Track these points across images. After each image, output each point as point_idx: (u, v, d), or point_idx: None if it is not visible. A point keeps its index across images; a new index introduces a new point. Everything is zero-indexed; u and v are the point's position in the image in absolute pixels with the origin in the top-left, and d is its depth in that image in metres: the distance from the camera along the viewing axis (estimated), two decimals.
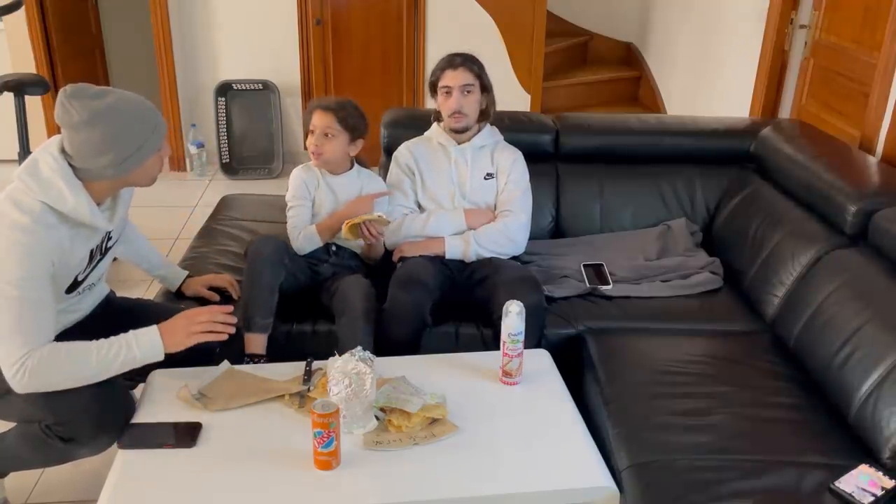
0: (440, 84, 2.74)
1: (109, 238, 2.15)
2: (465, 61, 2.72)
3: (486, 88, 2.78)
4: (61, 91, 1.92)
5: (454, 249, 2.72)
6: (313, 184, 2.69)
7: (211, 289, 2.57)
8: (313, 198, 2.69)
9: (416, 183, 2.83)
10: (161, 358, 2.01)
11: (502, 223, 2.75)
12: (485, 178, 2.81)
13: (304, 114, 2.71)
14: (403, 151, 2.87)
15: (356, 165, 2.75)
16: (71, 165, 1.94)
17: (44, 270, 1.89)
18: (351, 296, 2.48)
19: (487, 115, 2.83)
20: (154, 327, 2.00)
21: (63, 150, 1.94)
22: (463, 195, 2.79)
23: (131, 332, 1.99)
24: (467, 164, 2.80)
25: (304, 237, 2.62)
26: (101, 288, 2.28)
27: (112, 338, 1.97)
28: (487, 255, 2.72)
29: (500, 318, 2.18)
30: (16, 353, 1.86)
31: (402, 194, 2.82)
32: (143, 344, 1.98)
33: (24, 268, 1.86)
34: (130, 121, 1.95)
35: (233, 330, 2.10)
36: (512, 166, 2.82)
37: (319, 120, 2.60)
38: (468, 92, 2.72)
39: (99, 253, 2.14)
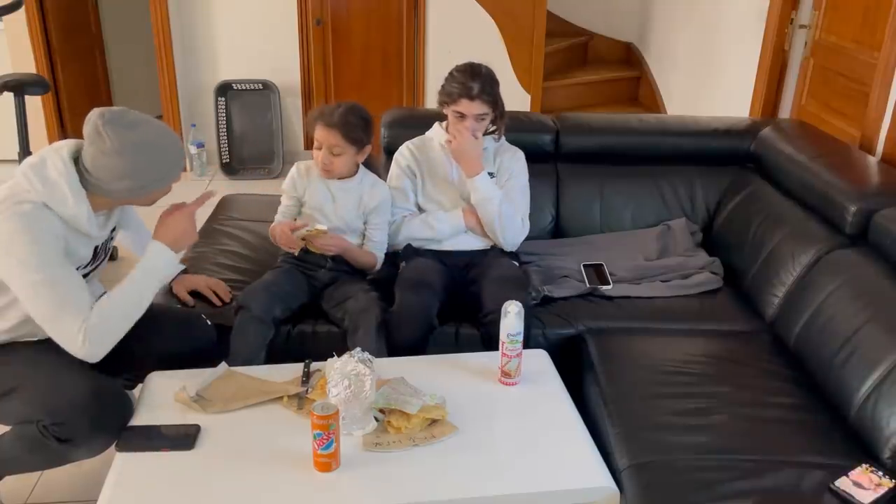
0: (453, 108, 2.66)
1: (111, 238, 2.17)
2: (482, 91, 2.62)
3: (498, 108, 2.71)
4: (97, 113, 1.94)
5: (485, 186, 2.70)
6: (302, 183, 2.65)
7: (194, 294, 2.58)
8: (304, 196, 2.65)
9: (416, 184, 2.81)
10: (178, 264, 2.17)
11: (514, 216, 2.75)
12: None
13: (306, 121, 2.68)
14: (404, 153, 2.84)
15: (361, 170, 2.68)
16: (79, 172, 1.96)
17: (57, 245, 1.93)
18: (364, 315, 2.46)
19: (498, 131, 2.79)
20: (153, 243, 2.09)
21: (74, 157, 1.96)
22: (464, 197, 2.78)
23: (138, 264, 2.07)
24: None
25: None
26: (95, 287, 2.28)
27: (130, 275, 2.05)
28: (494, 221, 2.70)
29: (485, 317, 2.22)
30: (70, 327, 1.91)
31: (403, 196, 2.80)
32: (157, 260, 2.08)
33: (36, 251, 1.89)
34: (157, 157, 2.00)
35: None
36: (513, 167, 2.82)
37: (325, 137, 2.54)
38: (482, 119, 2.68)
39: (103, 252, 2.17)
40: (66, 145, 1.99)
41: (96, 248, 2.10)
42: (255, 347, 2.39)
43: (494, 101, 2.68)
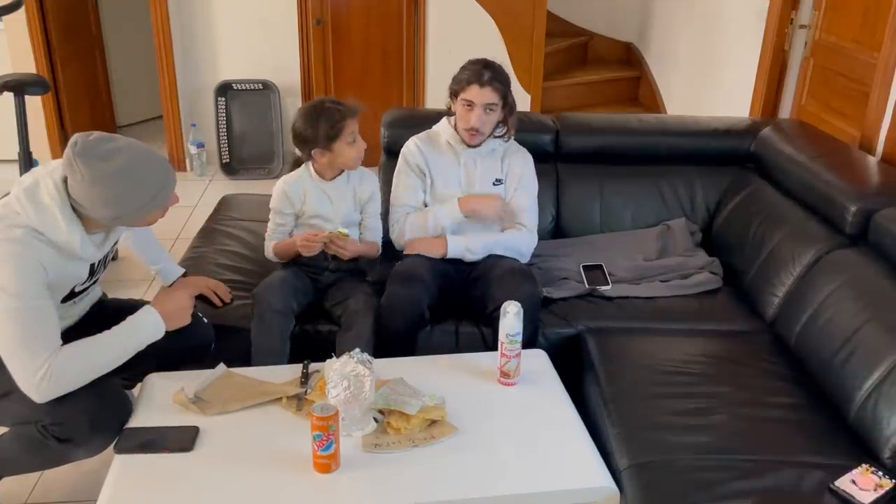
0: (463, 96, 2.64)
1: (110, 252, 2.17)
2: (494, 79, 2.61)
3: (508, 104, 2.69)
4: (71, 142, 1.89)
5: (456, 251, 2.68)
6: (299, 196, 2.61)
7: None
8: (301, 209, 2.62)
9: (426, 184, 2.76)
10: (162, 334, 2.09)
11: (516, 237, 2.72)
12: (493, 184, 2.76)
13: (326, 124, 2.47)
14: (413, 150, 2.78)
15: None
16: (70, 196, 1.93)
17: (39, 277, 1.89)
18: (359, 317, 2.46)
19: (509, 131, 2.76)
20: (148, 307, 2.09)
21: (66, 180, 1.93)
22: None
23: (129, 318, 2.05)
24: (476, 168, 2.74)
25: (270, 255, 2.67)
26: (95, 292, 2.29)
27: (115, 328, 2.02)
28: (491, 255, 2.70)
29: (494, 311, 2.17)
30: (32, 363, 1.87)
31: (412, 193, 2.75)
32: (146, 323, 2.06)
33: (20, 277, 1.85)
34: (135, 187, 1.93)
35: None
36: (522, 173, 2.77)
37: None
38: (490, 111, 2.65)
39: (102, 267, 2.16)
40: (59, 168, 1.95)
41: (93, 265, 2.08)
42: (279, 339, 2.41)
43: (504, 93, 2.65)
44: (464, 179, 2.75)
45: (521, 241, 2.73)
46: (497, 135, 2.76)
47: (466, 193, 2.75)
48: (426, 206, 2.79)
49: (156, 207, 2.02)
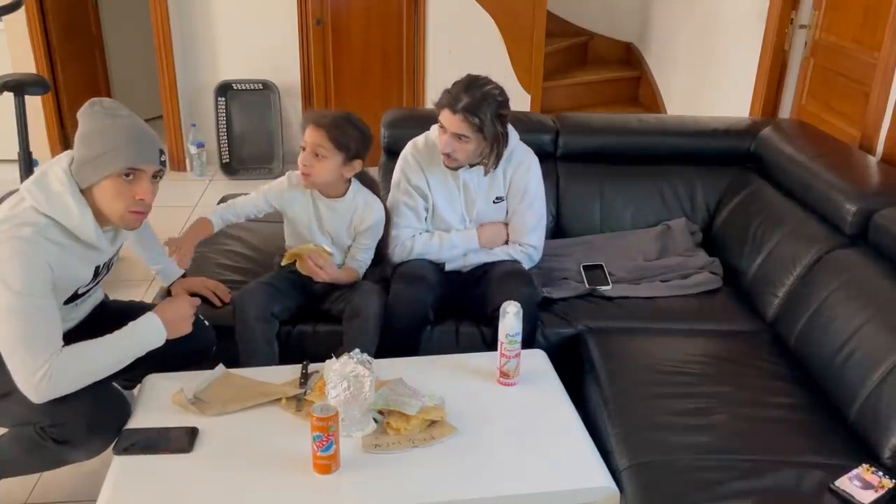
0: (439, 117, 2.47)
1: (115, 255, 2.17)
2: (466, 109, 2.38)
3: (485, 137, 2.45)
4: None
5: (454, 264, 2.68)
6: (290, 195, 2.53)
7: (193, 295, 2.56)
8: (286, 210, 2.56)
9: (429, 203, 2.65)
10: (163, 342, 2.09)
11: (520, 257, 2.68)
12: (494, 202, 2.67)
13: (302, 124, 2.49)
14: (413, 165, 2.63)
15: (353, 188, 2.51)
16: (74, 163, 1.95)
17: (45, 276, 1.89)
18: (367, 303, 2.44)
19: (490, 161, 2.54)
20: (151, 315, 2.08)
21: (72, 164, 1.95)
22: (471, 219, 2.68)
23: (131, 323, 2.04)
24: (476, 185, 2.63)
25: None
26: (97, 295, 2.29)
27: (116, 332, 2.01)
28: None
29: (494, 311, 2.16)
30: (33, 362, 1.87)
31: (413, 213, 2.64)
32: (149, 329, 2.06)
33: (26, 276, 1.85)
34: (104, 130, 1.93)
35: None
36: (526, 186, 2.64)
37: (311, 136, 2.36)
38: (462, 140, 2.45)
39: (105, 269, 2.16)
40: (67, 156, 1.98)
41: (97, 267, 2.09)
42: (263, 344, 2.39)
43: (480, 126, 2.42)
44: (462, 197, 2.65)
45: (525, 260, 2.70)
46: (476, 162, 2.57)
47: (464, 212, 2.66)
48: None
49: (107, 167, 1.92)
